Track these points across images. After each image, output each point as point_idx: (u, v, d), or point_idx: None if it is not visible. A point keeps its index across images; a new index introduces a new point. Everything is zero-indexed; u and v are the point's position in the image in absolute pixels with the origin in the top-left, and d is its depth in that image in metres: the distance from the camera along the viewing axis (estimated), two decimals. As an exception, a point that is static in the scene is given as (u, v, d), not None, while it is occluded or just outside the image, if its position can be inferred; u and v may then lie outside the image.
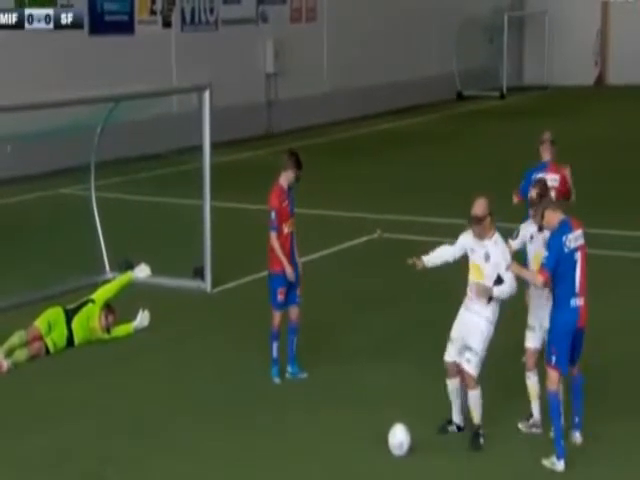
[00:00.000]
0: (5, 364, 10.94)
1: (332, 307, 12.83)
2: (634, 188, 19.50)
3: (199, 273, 13.75)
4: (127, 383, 10.70)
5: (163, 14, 24.87)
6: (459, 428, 9.20)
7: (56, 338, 11.48)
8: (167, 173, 21.33)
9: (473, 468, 8.72)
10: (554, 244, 8.66)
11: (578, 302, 8.69)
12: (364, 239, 14.77)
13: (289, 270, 10.33)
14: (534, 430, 9.29)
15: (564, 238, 8.64)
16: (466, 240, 9.04)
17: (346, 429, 9.36)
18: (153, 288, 12.99)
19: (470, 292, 8.94)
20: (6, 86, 19.08)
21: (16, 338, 11.25)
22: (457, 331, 9.01)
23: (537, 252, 9.23)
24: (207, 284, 13.68)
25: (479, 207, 8.85)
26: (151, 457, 8.98)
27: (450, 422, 9.23)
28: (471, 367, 8.88)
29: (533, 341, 9.36)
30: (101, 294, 11.99)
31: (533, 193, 9.23)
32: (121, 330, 11.99)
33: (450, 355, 9.03)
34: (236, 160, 23.18)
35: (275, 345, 10.52)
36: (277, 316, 10.52)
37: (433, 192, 18.92)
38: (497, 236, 8.93)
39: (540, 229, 8.97)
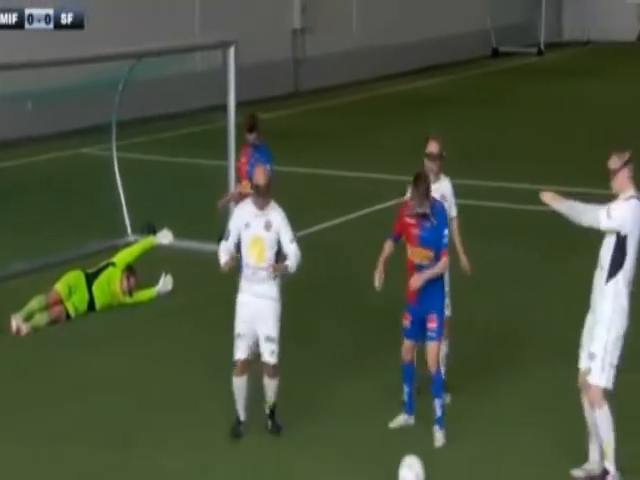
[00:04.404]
0: (24, 328, 10.84)
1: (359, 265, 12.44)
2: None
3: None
4: (148, 351, 10.54)
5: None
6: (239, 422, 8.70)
7: (77, 302, 11.38)
8: (190, 133, 21.05)
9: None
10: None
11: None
12: (393, 202, 14.37)
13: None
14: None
15: None
16: (238, 219, 8.56)
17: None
18: (176, 251, 12.78)
19: (267, 272, 8.43)
20: (25, 44, 18.70)
21: (35, 302, 11.16)
22: (245, 326, 8.56)
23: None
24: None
25: (261, 176, 8.42)
26: (177, 427, 8.82)
27: (240, 423, 8.70)
28: (274, 357, 8.51)
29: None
30: (122, 257, 11.89)
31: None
32: (144, 295, 11.87)
33: (242, 353, 8.56)
34: (262, 120, 22.68)
35: None
36: None
37: (465, 154, 18.45)
38: (273, 203, 8.54)
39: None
